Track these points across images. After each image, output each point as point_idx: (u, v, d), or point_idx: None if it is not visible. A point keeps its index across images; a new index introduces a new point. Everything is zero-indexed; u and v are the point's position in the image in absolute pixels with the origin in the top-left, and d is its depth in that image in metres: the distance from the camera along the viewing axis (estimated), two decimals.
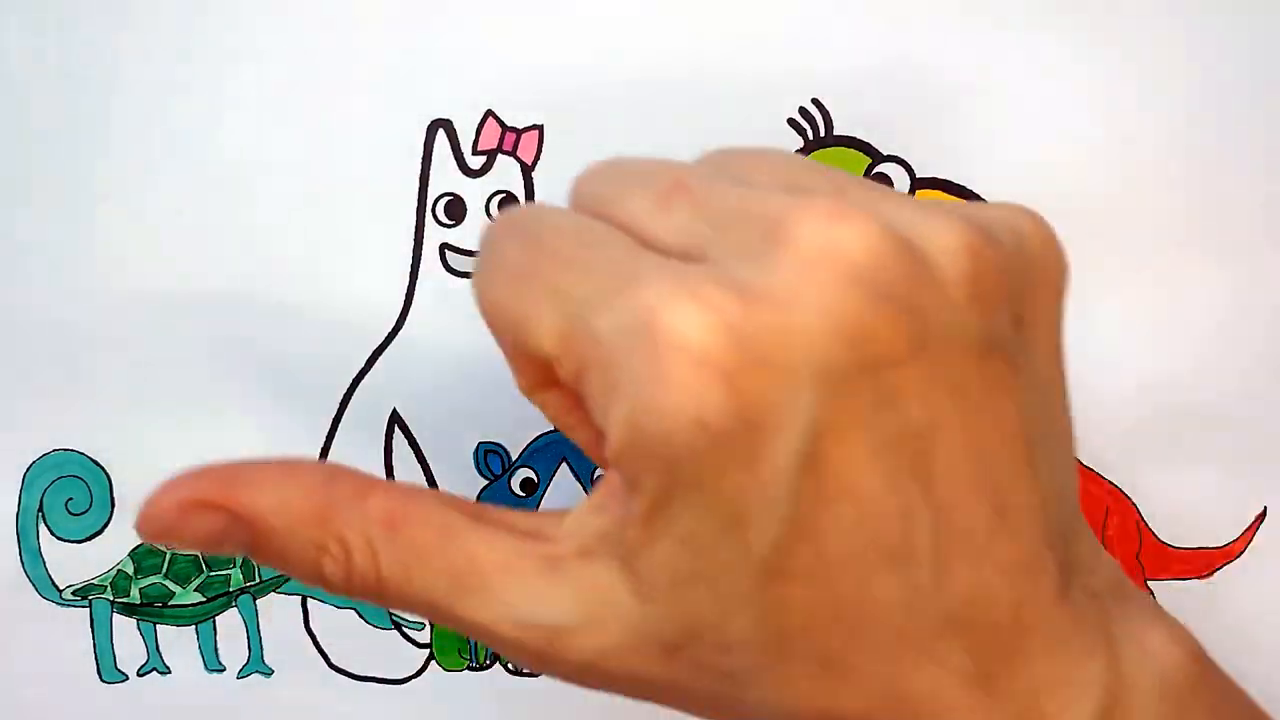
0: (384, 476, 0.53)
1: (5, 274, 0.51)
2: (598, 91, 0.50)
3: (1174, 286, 0.52)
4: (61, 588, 0.53)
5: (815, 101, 0.51)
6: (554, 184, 0.51)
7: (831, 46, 0.50)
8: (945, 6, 0.50)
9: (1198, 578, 0.55)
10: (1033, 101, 0.50)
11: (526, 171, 0.51)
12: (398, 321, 0.52)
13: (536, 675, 0.55)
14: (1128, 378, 0.53)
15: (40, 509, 0.53)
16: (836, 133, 0.51)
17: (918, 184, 0.52)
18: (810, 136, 0.51)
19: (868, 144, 0.51)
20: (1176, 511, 0.55)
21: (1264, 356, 0.53)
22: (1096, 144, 0.51)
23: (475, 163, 0.51)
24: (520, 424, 0.53)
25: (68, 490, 0.52)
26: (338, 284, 0.51)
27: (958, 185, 0.51)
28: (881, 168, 0.52)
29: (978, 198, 0.51)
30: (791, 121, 0.51)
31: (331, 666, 0.55)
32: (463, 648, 0.55)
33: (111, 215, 0.50)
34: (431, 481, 0.54)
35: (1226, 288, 0.53)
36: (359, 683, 0.55)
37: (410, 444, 0.53)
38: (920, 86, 0.50)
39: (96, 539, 0.53)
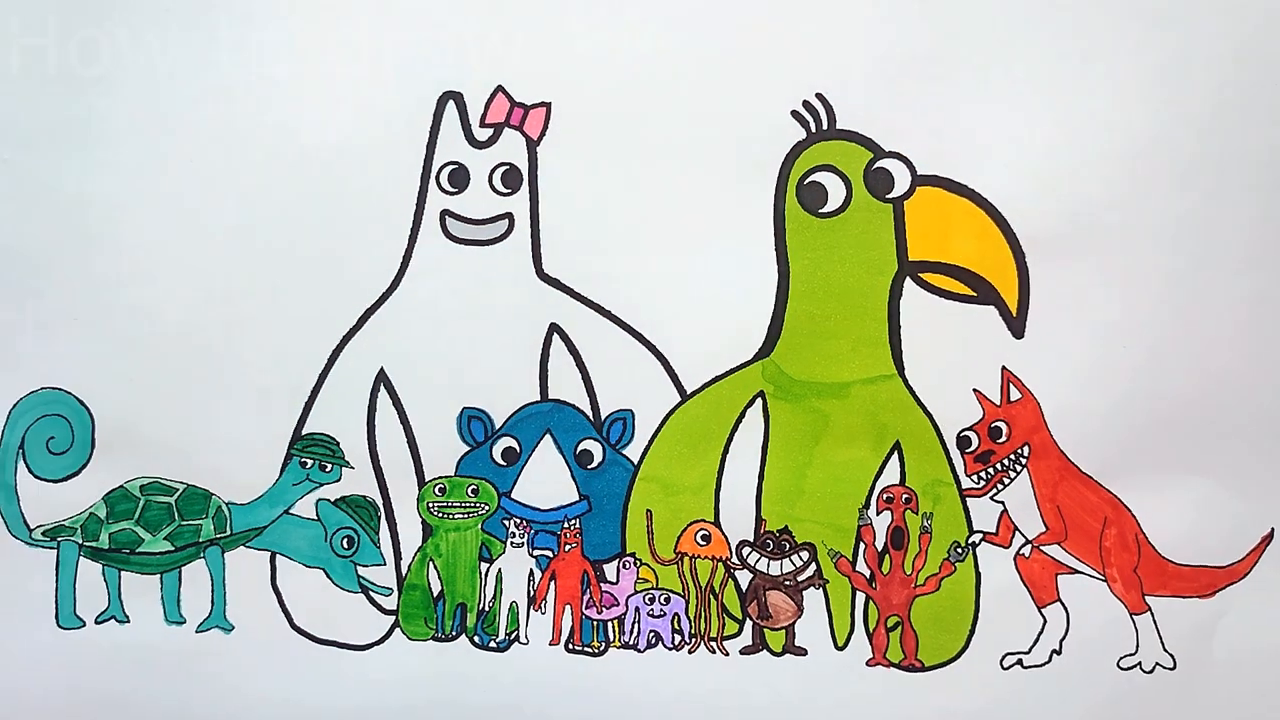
0: (365, 434, 0.53)
1: (4, 215, 0.52)
2: (607, 73, 0.51)
3: (1179, 293, 0.51)
4: (32, 527, 0.53)
5: (819, 95, 0.52)
6: (559, 160, 0.52)
7: (836, 42, 0.51)
8: (947, 6, 0.51)
9: (1199, 596, 0.53)
10: (1033, 102, 0.51)
11: (532, 146, 0.52)
12: (393, 283, 0.52)
13: (504, 650, 0.54)
14: (1130, 384, 0.52)
15: (21, 446, 0.52)
16: (839, 127, 0.52)
17: (918, 181, 0.52)
18: (813, 129, 0.52)
19: (869, 139, 0.52)
20: (1179, 527, 0.53)
21: (1275, 371, 0.52)
22: (1098, 144, 0.51)
23: (482, 135, 0.52)
24: (506, 392, 0.53)
25: (50, 429, 0.52)
26: (337, 242, 0.52)
27: (958, 184, 0.51)
28: (882, 163, 0.52)
29: (978, 197, 0.51)
30: (795, 114, 0.52)
31: (293, 627, 0.53)
32: (429, 617, 0.53)
33: (115, 158, 0.51)
34: (412, 442, 0.53)
35: (1235, 297, 0.51)
36: (319, 645, 0.53)
37: (394, 404, 0.53)
38: (922, 84, 0.51)
39: (74, 479, 0.52)
